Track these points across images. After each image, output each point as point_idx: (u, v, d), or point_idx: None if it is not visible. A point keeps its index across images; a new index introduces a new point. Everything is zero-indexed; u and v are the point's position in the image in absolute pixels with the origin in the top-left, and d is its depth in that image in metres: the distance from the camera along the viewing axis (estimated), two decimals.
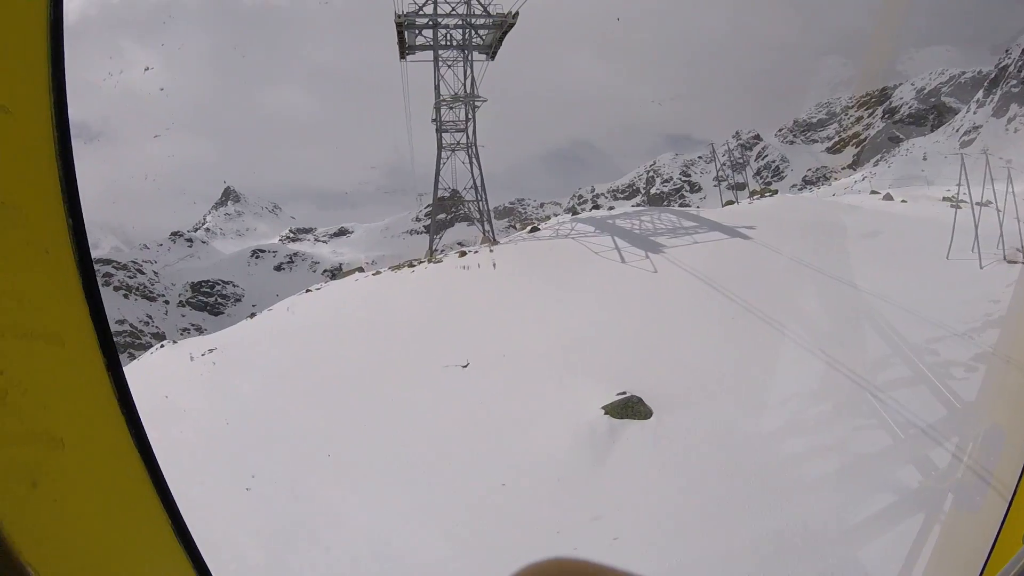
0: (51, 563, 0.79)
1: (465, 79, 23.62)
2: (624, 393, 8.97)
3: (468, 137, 24.85)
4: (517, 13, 21.90)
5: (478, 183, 24.85)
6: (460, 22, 22.85)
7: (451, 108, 24.52)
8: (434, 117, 24.63)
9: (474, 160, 24.67)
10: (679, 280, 15.04)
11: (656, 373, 9.95)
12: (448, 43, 23.56)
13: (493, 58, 24.43)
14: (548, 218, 29.93)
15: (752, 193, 32.58)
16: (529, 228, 24.25)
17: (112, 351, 1.01)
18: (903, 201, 20.77)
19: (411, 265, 20.53)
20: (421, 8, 22.46)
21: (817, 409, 8.40)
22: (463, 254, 20.16)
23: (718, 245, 17.67)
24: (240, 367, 14.17)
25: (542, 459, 8.00)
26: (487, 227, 24.62)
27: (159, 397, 12.26)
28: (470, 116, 24.60)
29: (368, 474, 8.26)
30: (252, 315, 20.98)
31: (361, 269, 26.76)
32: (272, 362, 14.05)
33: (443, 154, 24.83)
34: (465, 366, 11.80)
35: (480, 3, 22.84)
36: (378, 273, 20.70)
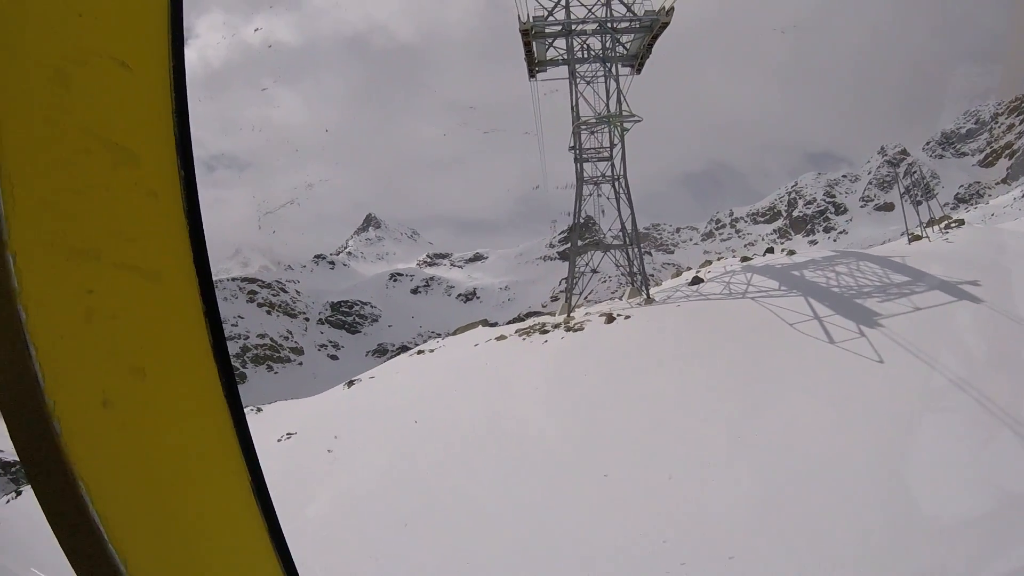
0: (109, 488, 0.80)
1: (608, 96, 19.05)
2: None
3: (615, 167, 20.21)
4: (672, 9, 17.08)
5: (627, 224, 19.99)
6: (599, 27, 18.47)
7: (592, 132, 20.09)
8: (572, 144, 20.18)
9: (622, 195, 19.92)
10: (917, 376, 9.66)
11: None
12: (585, 55, 19.24)
13: (639, 70, 19.79)
14: (708, 263, 24.29)
15: (942, 223, 25.33)
16: (691, 279, 19.02)
17: (211, 297, 1.01)
18: None
19: (543, 330, 16.05)
20: (551, 13, 18.26)
21: None
22: (610, 319, 15.38)
23: (945, 312, 12.24)
24: (317, 466, 10.62)
25: None
26: (639, 278, 19.65)
27: None
28: (616, 141, 19.83)
29: None
30: (351, 383, 17.69)
31: (485, 322, 22.73)
32: (354, 474, 10.27)
33: (584, 189, 20.27)
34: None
35: (623, 2, 18.32)
36: (503, 338, 16.49)
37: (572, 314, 18.30)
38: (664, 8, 17.12)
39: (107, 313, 0.83)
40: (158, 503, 0.91)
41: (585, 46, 19.08)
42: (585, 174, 20.26)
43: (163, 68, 0.96)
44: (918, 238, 20.15)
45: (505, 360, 14.60)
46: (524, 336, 16.00)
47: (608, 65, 18.81)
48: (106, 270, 0.85)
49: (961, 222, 27.96)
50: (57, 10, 0.85)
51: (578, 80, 19.11)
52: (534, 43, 18.35)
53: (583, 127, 19.32)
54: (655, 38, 18.12)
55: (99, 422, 0.81)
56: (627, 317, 15.36)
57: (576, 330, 15.19)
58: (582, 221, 22.31)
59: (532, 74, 20.02)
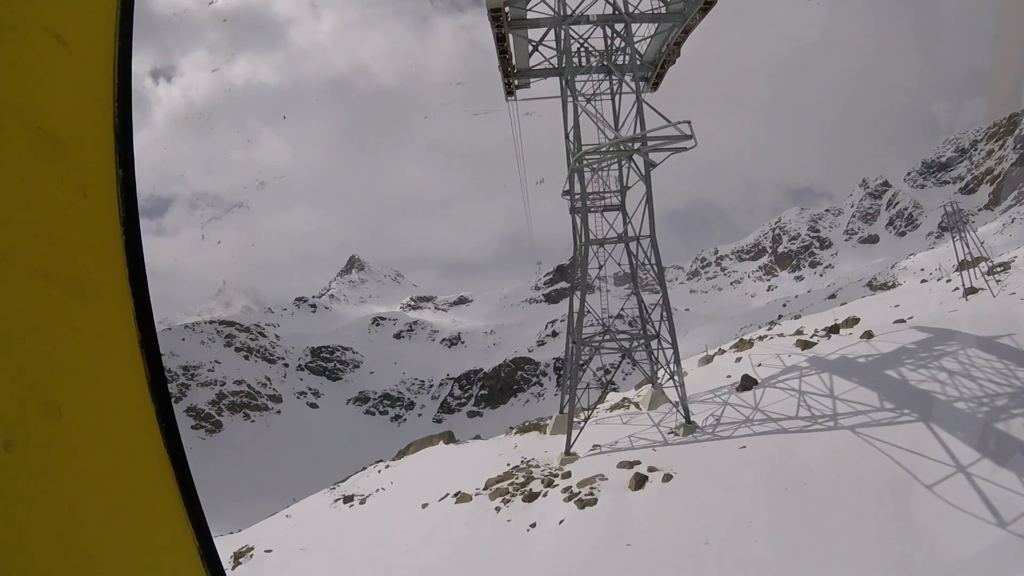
0: (8, 553, 0.66)
1: (617, 117, 13.71)
2: None
3: (629, 222, 14.54)
4: None
5: (652, 309, 14.15)
6: (608, 15, 12.99)
7: (596, 171, 14.41)
8: (566, 188, 14.83)
9: (646, 264, 14.23)
10: None
11: None
12: (583, 61, 13.85)
13: (657, 85, 14.64)
14: (748, 343, 18.44)
15: (979, 264, 20.79)
16: (740, 382, 13.33)
17: (149, 323, 0.86)
18: None
19: (529, 493, 9.94)
20: None
21: None
22: (639, 482, 9.34)
23: None
24: None
25: None
26: (664, 376, 13.84)
27: None
28: (629, 181, 14.49)
29: None
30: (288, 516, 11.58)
31: (450, 436, 16.62)
32: None
33: (587, 251, 14.52)
34: None
35: None
36: (465, 500, 10.35)
37: (572, 447, 12.21)
38: None
39: (14, 332, 0.67)
40: (73, 568, 0.72)
41: (584, 50, 13.81)
42: (583, 229, 14.57)
43: (107, 48, 0.82)
44: (974, 290, 17.08)
45: (466, 561, 8.46)
46: (501, 501, 9.93)
47: (619, 76, 13.39)
48: (17, 277, 0.69)
49: (1006, 266, 23.27)
50: None
51: (569, 100, 13.78)
52: (511, 42, 12.99)
53: (585, 164, 13.42)
54: (686, 34, 12.76)
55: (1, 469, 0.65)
56: (667, 477, 9.35)
57: (585, 501, 9.17)
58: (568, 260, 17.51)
59: (509, 89, 14.79)
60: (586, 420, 13.48)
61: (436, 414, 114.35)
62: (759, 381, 13.45)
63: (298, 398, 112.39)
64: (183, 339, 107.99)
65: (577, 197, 14.28)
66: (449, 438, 17.37)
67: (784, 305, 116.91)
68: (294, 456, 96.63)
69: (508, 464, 12.73)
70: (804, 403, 11.50)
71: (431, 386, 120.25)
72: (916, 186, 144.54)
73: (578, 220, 14.45)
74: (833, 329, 16.92)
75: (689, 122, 11.67)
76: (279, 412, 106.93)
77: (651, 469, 9.65)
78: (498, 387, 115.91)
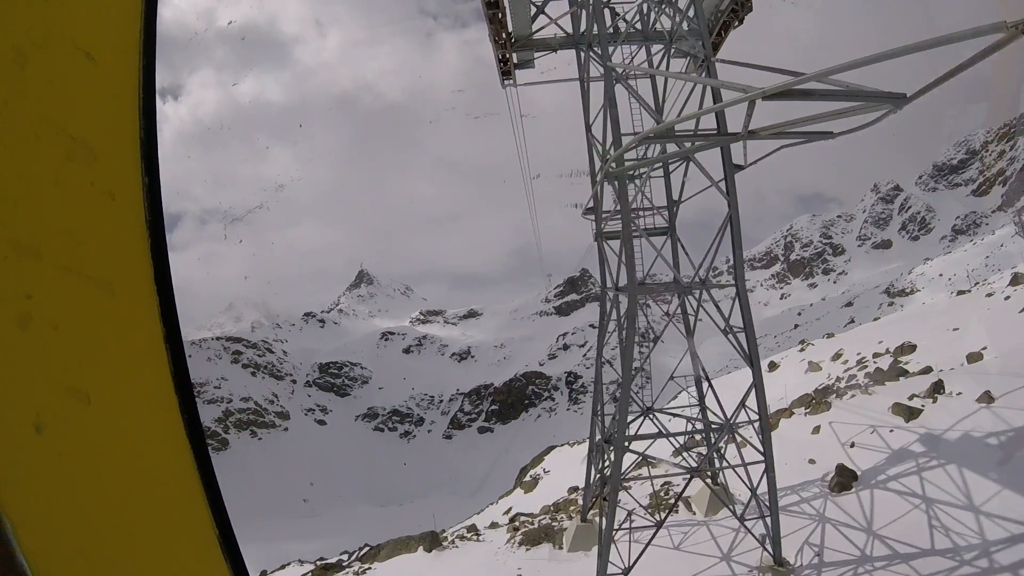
0: (39, 530, 0.70)
1: (662, 99, 10.84)
2: None
3: (687, 259, 11.24)
4: None
5: (713, 395, 11.04)
6: None
7: (637, 176, 11.14)
8: (590, 205, 11.69)
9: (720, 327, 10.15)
10: None
11: None
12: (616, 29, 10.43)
13: (715, 51, 10.53)
14: (825, 404, 14.65)
15: None
16: (832, 480, 10.79)
17: (173, 320, 0.91)
18: None
19: None
20: None
21: None
22: None
23: None
24: None
25: None
26: (760, 507, 9.50)
27: None
28: (678, 194, 11.30)
29: None
30: None
31: (434, 538, 13.86)
32: None
33: (634, 301, 9.68)
34: None
35: None
36: None
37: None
38: None
39: (47, 322, 0.72)
40: (97, 551, 0.76)
41: (610, 10, 10.44)
42: (614, 269, 10.96)
43: (132, 64, 0.89)
44: None
45: None
46: None
47: (667, 44, 10.09)
48: (49, 272, 0.75)
49: None
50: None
51: (587, 79, 11.16)
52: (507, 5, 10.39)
53: (631, 170, 10.07)
54: None
55: (30, 449, 0.69)
56: None
57: None
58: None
59: (506, 69, 11.90)
60: (595, 499, 11.46)
61: (446, 430, 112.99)
62: (859, 475, 10.39)
63: (306, 415, 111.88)
64: (189, 356, 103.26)
65: (610, 217, 10.89)
66: (432, 543, 13.68)
67: (799, 314, 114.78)
68: (302, 474, 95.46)
69: None
70: (937, 521, 8.40)
71: (441, 401, 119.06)
72: (928, 189, 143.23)
73: (609, 251, 10.98)
74: (937, 388, 12.65)
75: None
76: (286, 429, 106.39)
77: None
78: (509, 402, 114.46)
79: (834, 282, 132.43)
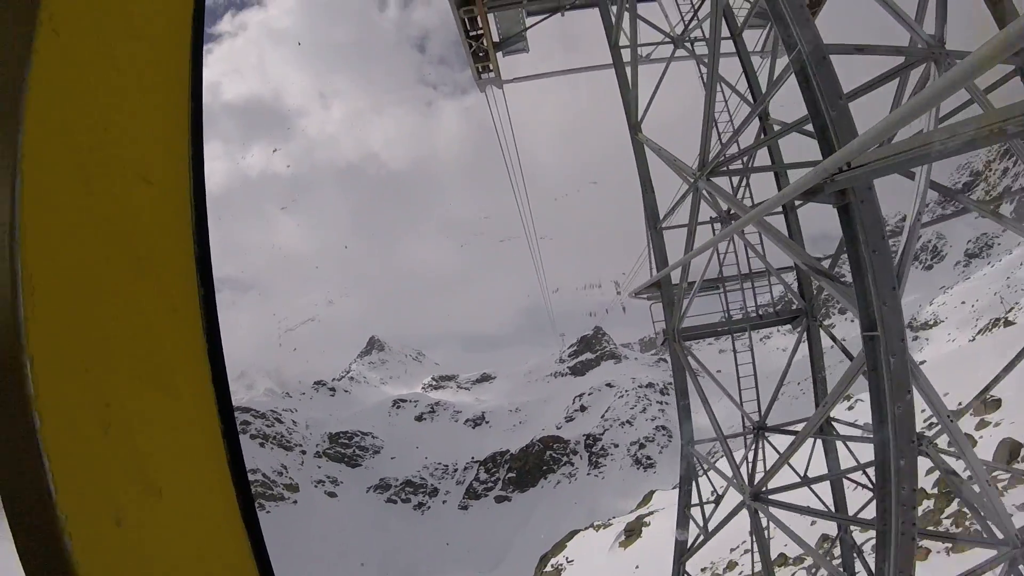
0: None
1: (755, 86, 8.13)
2: None
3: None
4: None
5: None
6: None
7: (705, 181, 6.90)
8: (660, 223, 7.83)
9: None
10: None
11: None
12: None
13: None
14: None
15: None
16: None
17: (230, 417, 1.00)
18: None
19: None
20: None
21: None
22: None
23: None
24: None
25: None
26: None
27: None
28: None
29: None
30: None
31: None
32: None
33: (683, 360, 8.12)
34: None
35: None
36: None
37: None
38: None
39: (124, 426, 0.80)
40: None
41: None
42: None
43: (184, 184, 0.97)
44: None
45: None
46: None
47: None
48: (124, 382, 0.82)
49: None
50: (87, 120, 0.84)
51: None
52: None
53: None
54: None
55: (111, 541, 0.75)
56: None
57: None
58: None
59: (482, 56, 8.02)
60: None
61: (462, 500, 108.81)
62: None
63: (316, 487, 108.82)
64: None
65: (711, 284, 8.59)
66: None
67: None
68: (312, 549, 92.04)
69: None
70: None
71: (455, 470, 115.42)
72: (935, 216, 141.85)
73: (684, 359, 8.16)
74: None
75: None
76: (295, 502, 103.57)
77: None
78: (526, 468, 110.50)
79: (852, 321, 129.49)
